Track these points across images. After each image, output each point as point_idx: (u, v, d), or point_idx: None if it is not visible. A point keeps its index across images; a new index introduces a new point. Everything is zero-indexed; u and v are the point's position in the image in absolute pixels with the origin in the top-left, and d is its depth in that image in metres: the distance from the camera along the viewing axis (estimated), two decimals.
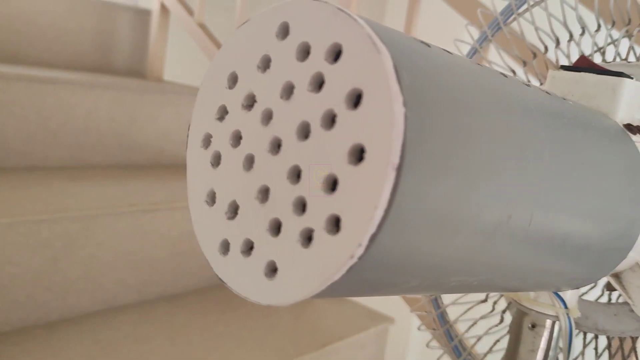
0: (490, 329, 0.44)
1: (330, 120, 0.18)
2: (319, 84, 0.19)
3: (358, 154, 0.17)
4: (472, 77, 0.20)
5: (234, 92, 0.21)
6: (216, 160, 0.22)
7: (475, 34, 0.44)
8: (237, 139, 0.21)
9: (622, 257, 0.30)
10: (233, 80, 0.22)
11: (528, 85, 0.25)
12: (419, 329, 0.51)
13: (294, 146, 0.19)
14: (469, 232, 0.19)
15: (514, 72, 0.44)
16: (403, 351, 1.72)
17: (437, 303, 0.48)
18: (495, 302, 0.44)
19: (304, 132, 0.19)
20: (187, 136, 0.23)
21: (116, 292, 1.01)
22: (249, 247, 0.20)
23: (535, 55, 0.43)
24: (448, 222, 0.18)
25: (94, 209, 0.95)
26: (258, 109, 0.20)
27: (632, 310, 0.34)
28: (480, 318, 0.45)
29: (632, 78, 0.32)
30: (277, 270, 0.19)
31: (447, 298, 0.50)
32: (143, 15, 1.57)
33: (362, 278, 0.18)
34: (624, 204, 0.28)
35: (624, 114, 0.31)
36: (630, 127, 0.31)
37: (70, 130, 1.17)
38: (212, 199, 0.22)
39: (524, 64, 0.44)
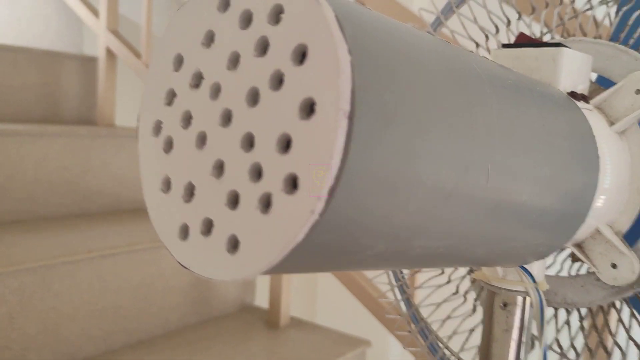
0: (454, 310, 0.44)
1: (278, 81, 0.18)
2: (264, 47, 0.18)
3: (308, 109, 0.17)
4: (415, 36, 0.21)
5: (180, 73, 0.21)
6: (168, 146, 0.21)
7: (431, 18, 0.45)
8: (187, 119, 0.21)
9: (580, 221, 0.30)
10: (179, 61, 0.21)
11: (472, 52, 0.25)
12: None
13: (244, 114, 0.19)
14: (429, 186, 0.19)
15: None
16: None
17: (409, 303, 0.48)
18: (458, 285, 0.44)
19: (253, 98, 0.18)
20: (137, 128, 0.23)
21: (79, 344, 0.97)
22: (208, 227, 0.19)
23: (487, 37, 0.44)
24: (405, 174, 0.18)
25: (50, 258, 0.91)
26: (206, 85, 0.20)
27: (598, 279, 0.35)
28: (442, 301, 0.45)
29: (569, 47, 0.33)
30: (238, 243, 0.18)
31: (419, 296, 0.50)
32: (89, 62, 1.55)
33: (325, 240, 0.17)
34: (575, 166, 0.28)
35: (566, 83, 0.32)
36: (574, 95, 0.32)
37: (18, 183, 1.14)
38: (167, 185, 0.21)
39: (477, 45, 0.45)
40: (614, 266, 0.33)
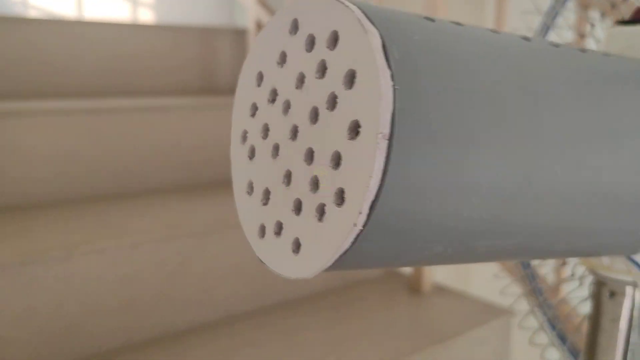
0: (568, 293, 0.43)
1: (333, 102, 0.20)
2: (323, 70, 0.20)
3: (355, 130, 0.18)
4: (471, 44, 0.21)
5: (261, 89, 0.24)
6: (252, 153, 0.24)
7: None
8: (266, 131, 0.23)
9: None
10: (260, 78, 0.24)
11: (556, 46, 0.25)
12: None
13: (307, 130, 0.21)
14: (483, 193, 0.20)
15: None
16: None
17: (532, 276, 0.47)
18: (573, 268, 0.43)
19: (314, 116, 0.20)
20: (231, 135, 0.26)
21: (232, 302, 1.07)
22: (279, 228, 0.22)
23: (613, 5, 0.41)
24: (453, 185, 0.19)
25: (207, 225, 1.01)
26: (279, 100, 0.22)
27: None
28: (559, 282, 0.44)
29: None
30: (300, 245, 0.20)
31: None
32: (240, 34, 1.65)
33: (373, 245, 0.19)
34: None
35: None
36: None
37: (182, 152, 1.26)
38: (250, 188, 0.24)
39: (602, 15, 0.42)
40: None
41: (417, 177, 0.18)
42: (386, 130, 0.17)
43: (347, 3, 0.19)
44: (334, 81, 0.20)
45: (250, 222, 0.24)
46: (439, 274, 1.21)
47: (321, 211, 0.20)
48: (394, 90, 0.18)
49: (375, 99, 0.18)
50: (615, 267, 0.32)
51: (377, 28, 0.19)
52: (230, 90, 1.68)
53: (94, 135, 1.21)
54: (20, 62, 1.35)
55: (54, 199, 1.16)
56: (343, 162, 0.19)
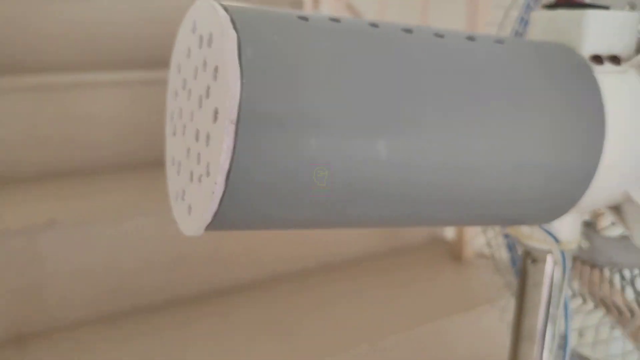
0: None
1: (207, 91, 0.24)
2: (204, 65, 0.24)
3: (215, 115, 0.23)
4: (337, 41, 0.24)
5: (179, 77, 0.28)
6: (173, 132, 0.29)
7: None
8: (180, 112, 0.28)
9: (581, 184, 0.30)
10: (178, 68, 0.28)
11: (441, 36, 0.27)
12: None
13: (196, 114, 0.25)
14: (333, 171, 0.24)
15: None
16: None
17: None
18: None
19: (199, 102, 0.25)
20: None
21: (275, 264, 1.14)
22: (183, 194, 0.26)
23: None
24: (301, 164, 0.23)
25: None
26: (186, 88, 0.27)
27: None
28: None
29: (607, 8, 0.32)
30: (191, 208, 0.25)
31: None
32: (297, 5, 1.68)
33: (239, 210, 0.23)
34: (566, 131, 0.29)
35: (591, 46, 0.31)
36: (597, 58, 0.31)
37: None
38: (172, 160, 0.29)
39: None
40: None
41: (266, 155, 0.22)
42: (233, 116, 0.22)
43: (219, 8, 0.23)
44: (208, 75, 0.24)
45: (172, 189, 0.28)
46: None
47: (199, 180, 0.24)
48: (242, 84, 0.22)
49: (225, 91, 0.22)
50: (535, 236, 0.35)
51: (237, 31, 0.23)
52: None
53: (151, 104, 1.29)
54: (82, 37, 1.45)
55: (114, 163, 1.27)
56: (210, 141, 0.23)
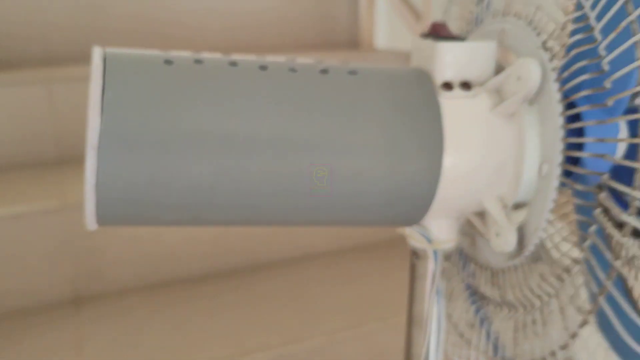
0: None
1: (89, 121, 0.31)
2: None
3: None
4: (189, 81, 0.31)
5: None
6: None
7: None
8: None
9: (424, 199, 0.35)
10: None
11: (294, 71, 0.33)
12: None
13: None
14: (180, 189, 0.31)
15: None
16: None
17: None
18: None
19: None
20: None
21: (310, 241, 1.22)
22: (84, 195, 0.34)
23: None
24: (155, 183, 0.30)
25: None
26: None
27: None
28: None
29: (462, 39, 0.36)
30: (85, 208, 0.33)
31: None
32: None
33: (113, 214, 0.31)
34: (404, 152, 0.34)
35: (442, 74, 0.35)
36: (447, 85, 0.35)
37: None
38: None
39: None
40: (497, 235, 0.36)
41: (122, 172, 0.30)
42: (94, 142, 0.29)
43: (98, 56, 0.31)
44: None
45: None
46: None
47: (86, 187, 0.32)
48: (101, 120, 0.29)
49: (90, 123, 0.29)
50: (413, 236, 0.40)
51: (104, 76, 0.30)
52: (347, 46, 1.77)
53: None
54: (162, 23, 1.57)
55: None
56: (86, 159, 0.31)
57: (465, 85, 0.36)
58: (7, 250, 1.04)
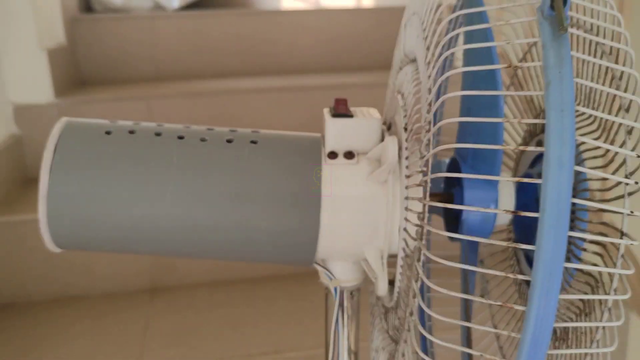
0: None
1: None
2: None
3: None
4: (123, 147, 0.41)
5: None
6: None
7: None
8: None
9: (307, 254, 0.42)
10: None
11: (203, 140, 0.42)
12: None
13: None
14: (106, 226, 0.41)
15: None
16: None
17: None
18: None
19: None
20: None
21: None
22: None
23: None
24: (85, 222, 0.41)
25: None
26: None
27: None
28: None
29: (351, 116, 0.43)
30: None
31: None
32: None
33: (65, 242, 0.42)
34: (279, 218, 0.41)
35: (330, 144, 0.43)
36: (332, 154, 0.43)
37: None
38: None
39: None
40: (375, 280, 0.43)
41: (64, 216, 0.41)
42: (44, 193, 0.40)
43: (59, 125, 0.42)
44: None
45: None
46: None
47: None
48: (49, 176, 0.40)
49: (40, 179, 0.41)
50: (320, 272, 0.47)
51: (56, 142, 0.41)
52: None
53: (318, 110, 1.51)
54: (253, 46, 1.72)
55: None
56: None
57: (349, 155, 0.43)
58: None
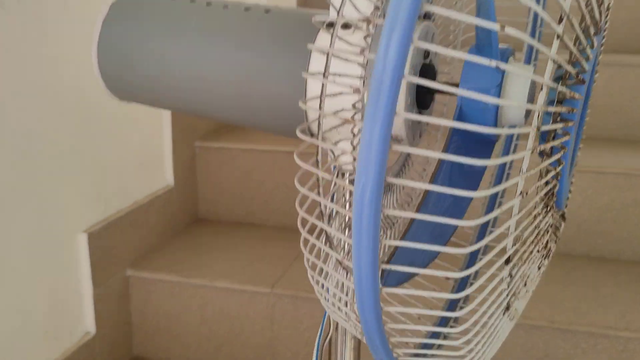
0: None
1: None
2: None
3: None
4: (170, 10, 0.46)
5: None
6: None
7: None
8: None
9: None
10: None
11: (225, 7, 0.45)
12: None
13: None
14: (145, 65, 0.46)
15: None
16: None
17: None
18: None
19: None
20: None
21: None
22: None
23: None
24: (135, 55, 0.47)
25: None
26: None
27: None
28: None
29: None
30: None
31: None
32: None
33: (116, 85, 0.49)
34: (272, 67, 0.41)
35: (331, 16, 0.41)
36: (330, 24, 0.41)
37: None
38: None
39: None
40: None
41: (116, 43, 0.47)
42: (96, 40, 0.48)
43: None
44: None
45: None
46: None
47: None
48: (108, 13, 0.47)
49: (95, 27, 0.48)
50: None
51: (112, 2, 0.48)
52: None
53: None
54: None
55: None
56: None
57: (346, 26, 0.41)
58: None
